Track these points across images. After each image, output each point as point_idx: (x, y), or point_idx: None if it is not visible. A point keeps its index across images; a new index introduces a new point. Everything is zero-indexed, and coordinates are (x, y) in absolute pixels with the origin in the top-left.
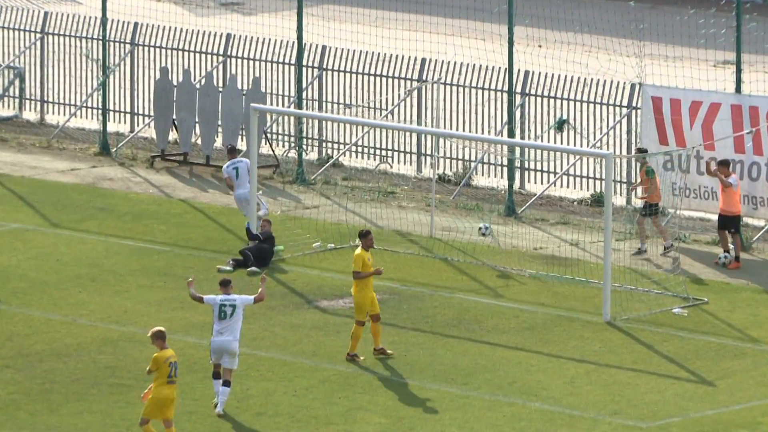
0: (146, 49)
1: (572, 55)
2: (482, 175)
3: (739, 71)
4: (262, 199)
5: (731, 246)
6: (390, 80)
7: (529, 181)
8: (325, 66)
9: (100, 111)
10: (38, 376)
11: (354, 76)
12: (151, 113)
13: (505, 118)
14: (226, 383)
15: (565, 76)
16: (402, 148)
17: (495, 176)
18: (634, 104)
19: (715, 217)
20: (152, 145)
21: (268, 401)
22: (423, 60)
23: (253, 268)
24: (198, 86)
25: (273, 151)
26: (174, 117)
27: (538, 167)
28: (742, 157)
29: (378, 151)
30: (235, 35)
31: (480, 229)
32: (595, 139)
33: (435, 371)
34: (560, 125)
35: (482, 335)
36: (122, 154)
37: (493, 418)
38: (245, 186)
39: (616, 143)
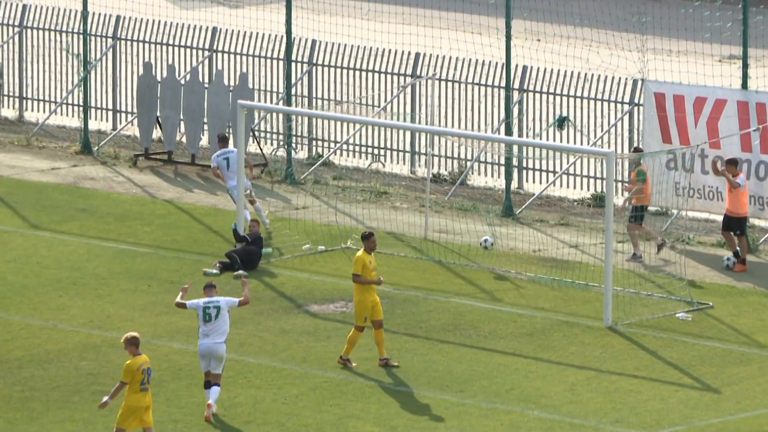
0: (129, 43)
1: (572, 50)
2: (479, 174)
3: (745, 66)
4: (248, 183)
5: (738, 248)
6: (382, 76)
7: (527, 181)
8: (314, 61)
9: (81, 108)
10: (17, 384)
11: (345, 71)
12: (134, 110)
13: (503, 115)
14: (215, 384)
15: (565, 72)
16: (395, 147)
17: (492, 176)
18: (636, 101)
19: (720, 218)
20: (135, 144)
21: (257, 409)
22: (417, 55)
23: (241, 272)
24: (183, 82)
25: (261, 149)
26: (158, 114)
27: (537, 166)
28: (749, 155)
29: (370, 150)
30: (221, 29)
31: (482, 243)
32: (595, 137)
33: (430, 378)
34: (561, 123)
35: (479, 341)
36: (104, 152)
37: (490, 427)
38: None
39: (617, 141)
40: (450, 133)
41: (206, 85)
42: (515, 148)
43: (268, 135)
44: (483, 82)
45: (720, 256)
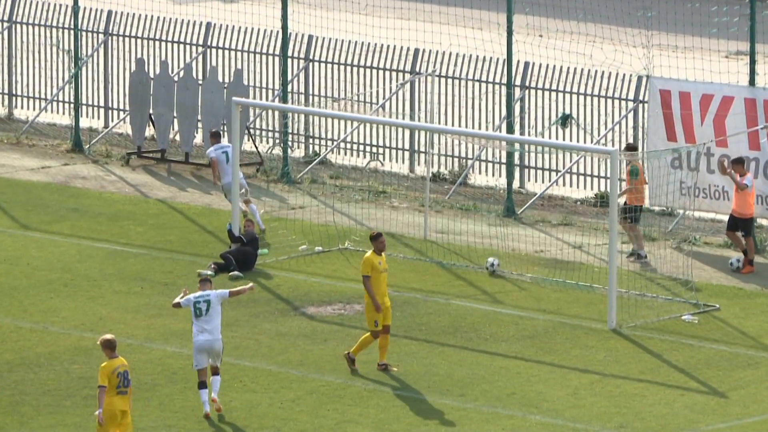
0: (121, 39)
1: (575, 46)
2: (480, 173)
3: (753, 63)
4: (244, 182)
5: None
6: (381, 72)
7: (529, 180)
8: (311, 57)
9: (72, 105)
10: (7, 388)
11: (342, 67)
12: (127, 108)
13: (504, 113)
14: (216, 372)
15: (568, 68)
16: (394, 145)
17: (493, 174)
18: (641, 98)
19: (726, 218)
20: (128, 142)
21: (253, 414)
22: (416, 50)
23: (236, 272)
24: (176, 79)
25: (256, 147)
26: (151, 112)
27: (539, 165)
28: (757, 154)
29: (368, 148)
30: (215, 24)
31: (488, 267)
32: (599, 135)
33: (429, 382)
34: (564, 121)
35: (480, 344)
36: (96, 151)
37: None
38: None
39: (621, 139)
40: (450, 131)
41: (200, 82)
42: (517, 147)
43: (264, 133)
44: (484, 78)
45: (727, 257)
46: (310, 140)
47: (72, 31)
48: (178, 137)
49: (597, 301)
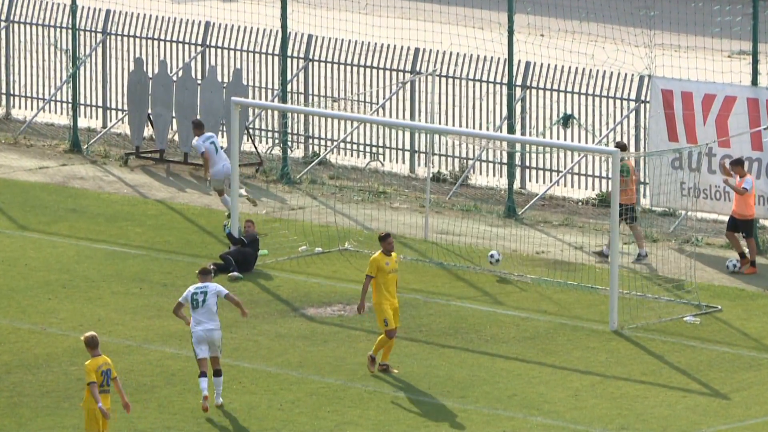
0: (119, 38)
1: (577, 45)
2: (480, 173)
3: (755, 62)
4: (229, 169)
5: (745, 249)
6: (381, 72)
7: (530, 181)
8: (311, 56)
9: (70, 105)
10: (6, 389)
11: (342, 67)
12: (125, 107)
13: (505, 113)
14: (218, 373)
15: (569, 68)
16: (394, 145)
17: (494, 175)
18: (642, 98)
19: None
20: (126, 142)
21: (252, 416)
22: (416, 50)
23: (235, 273)
24: (175, 78)
25: (256, 148)
26: (149, 111)
27: (540, 165)
28: (760, 154)
29: (368, 148)
30: (214, 23)
31: (489, 259)
32: (601, 135)
33: (430, 383)
34: (565, 121)
35: (480, 345)
36: (94, 151)
37: None
38: (224, 158)
39: (623, 140)
40: (451, 131)
41: (199, 82)
42: (518, 147)
43: (263, 133)
44: (485, 78)
45: (729, 259)
46: (310, 140)
47: (70, 31)
48: (176, 137)
49: (598, 302)
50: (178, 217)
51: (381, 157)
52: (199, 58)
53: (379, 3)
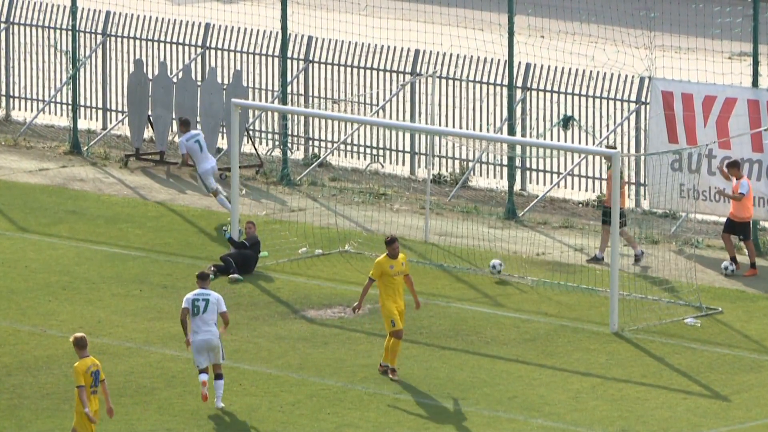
0: (119, 40)
1: (577, 47)
2: (480, 175)
3: (756, 64)
4: (216, 166)
5: (744, 252)
6: (381, 73)
7: (530, 182)
8: (311, 58)
9: (70, 107)
10: (6, 391)
11: (342, 69)
12: (125, 109)
13: (505, 115)
14: (219, 376)
15: (570, 69)
16: (394, 147)
17: (494, 177)
18: (643, 99)
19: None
20: (126, 144)
21: (252, 417)
22: (417, 52)
23: (235, 275)
24: (175, 80)
25: (256, 149)
26: (149, 113)
27: (541, 167)
28: (760, 156)
29: (368, 150)
30: (214, 25)
31: (491, 270)
32: (601, 137)
33: (430, 385)
34: (566, 123)
35: (481, 347)
36: (94, 153)
37: None
38: (210, 158)
39: (623, 141)
40: (451, 132)
41: (199, 83)
42: (518, 149)
43: (263, 135)
44: (485, 80)
45: (723, 261)
46: (310, 142)
47: (70, 32)
48: (176, 139)
49: (598, 303)
50: (178, 219)
51: (381, 159)
52: (199, 59)
53: (379, 4)
